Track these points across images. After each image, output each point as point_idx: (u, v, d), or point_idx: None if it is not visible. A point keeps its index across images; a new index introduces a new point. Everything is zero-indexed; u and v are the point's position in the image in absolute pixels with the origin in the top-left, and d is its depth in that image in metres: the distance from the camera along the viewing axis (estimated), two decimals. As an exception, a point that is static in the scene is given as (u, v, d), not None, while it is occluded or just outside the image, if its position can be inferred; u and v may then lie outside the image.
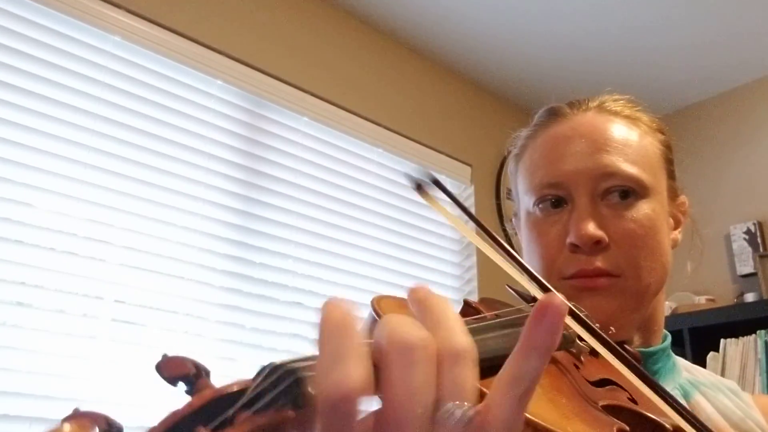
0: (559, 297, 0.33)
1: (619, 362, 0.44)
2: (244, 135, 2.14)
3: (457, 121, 2.86)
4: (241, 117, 2.14)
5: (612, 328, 0.66)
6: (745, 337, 2.40)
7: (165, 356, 0.30)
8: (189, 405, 0.29)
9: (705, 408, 0.74)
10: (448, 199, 0.51)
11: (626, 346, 0.61)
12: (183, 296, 1.84)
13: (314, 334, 0.32)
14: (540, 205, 0.76)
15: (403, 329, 0.32)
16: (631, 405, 0.49)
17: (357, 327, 0.32)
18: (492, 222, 2.83)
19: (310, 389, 0.29)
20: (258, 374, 0.31)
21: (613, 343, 0.46)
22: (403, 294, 0.41)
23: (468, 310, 0.60)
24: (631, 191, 0.73)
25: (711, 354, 2.43)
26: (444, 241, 2.65)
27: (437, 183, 0.48)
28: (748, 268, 2.74)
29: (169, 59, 1.98)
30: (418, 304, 0.35)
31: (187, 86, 2.02)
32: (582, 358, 0.54)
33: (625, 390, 0.52)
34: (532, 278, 0.47)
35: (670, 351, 0.80)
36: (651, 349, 0.76)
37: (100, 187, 1.76)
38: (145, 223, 1.82)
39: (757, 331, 2.38)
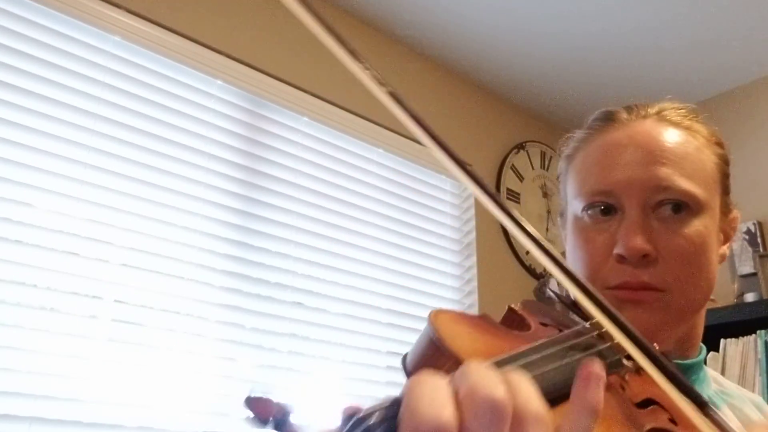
0: (597, 363, 0.39)
1: (671, 385, 0.46)
2: (244, 135, 2.14)
3: (457, 121, 2.86)
4: (241, 117, 2.14)
5: (654, 343, 0.66)
6: (745, 337, 2.40)
7: (250, 397, 0.32)
8: None
9: (731, 420, 0.74)
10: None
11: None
12: (183, 296, 1.84)
13: (404, 392, 0.33)
14: (589, 212, 0.75)
15: (488, 386, 0.33)
16: (672, 427, 0.50)
17: (447, 384, 0.33)
18: (492, 222, 2.83)
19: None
20: (346, 420, 0.32)
21: (671, 367, 0.47)
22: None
23: (513, 317, 0.60)
24: (684, 206, 0.72)
25: (711, 354, 2.43)
26: (444, 241, 2.65)
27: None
28: (748, 268, 2.74)
29: (169, 59, 1.98)
30: (477, 375, 0.36)
31: (187, 86, 2.02)
32: (627, 378, 0.54)
33: (666, 410, 0.52)
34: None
35: (703, 363, 0.79)
36: (688, 362, 0.75)
37: (100, 187, 1.76)
38: (145, 223, 1.82)
39: (757, 331, 2.37)
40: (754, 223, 2.79)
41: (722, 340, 2.43)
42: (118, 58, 1.88)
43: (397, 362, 0.55)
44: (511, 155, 3.00)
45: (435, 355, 0.45)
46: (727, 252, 0.80)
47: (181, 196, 1.91)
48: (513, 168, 2.98)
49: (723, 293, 2.76)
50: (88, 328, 1.65)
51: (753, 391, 2.29)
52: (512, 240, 2.87)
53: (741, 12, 2.55)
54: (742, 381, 2.33)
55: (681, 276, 0.70)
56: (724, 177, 0.79)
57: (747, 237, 2.80)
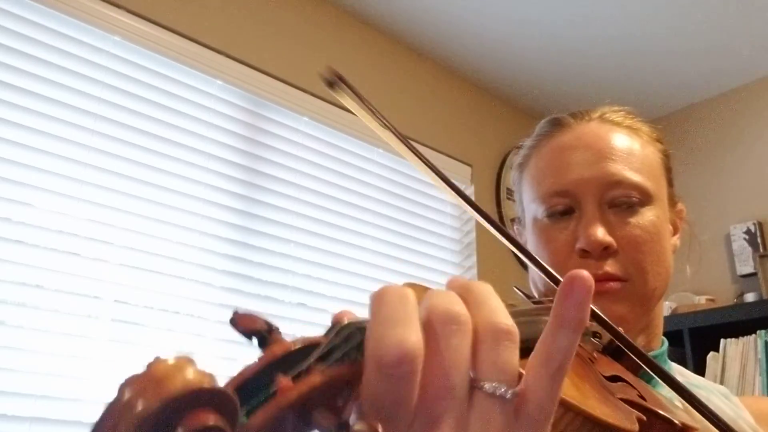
0: (585, 272, 0.34)
1: (640, 360, 0.46)
2: (244, 135, 2.14)
3: (457, 121, 2.86)
4: (241, 117, 2.14)
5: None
6: (745, 337, 2.40)
7: (236, 312, 0.32)
8: (271, 353, 0.30)
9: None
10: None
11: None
12: (183, 296, 1.84)
13: (371, 303, 0.33)
14: (548, 213, 0.78)
15: (446, 301, 0.33)
16: (642, 401, 0.51)
17: (413, 299, 0.33)
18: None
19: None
20: (328, 332, 0.32)
21: (632, 341, 0.47)
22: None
23: None
24: (636, 199, 0.76)
25: (711, 354, 2.43)
26: (444, 240, 2.65)
27: (343, 80, 0.49)
28: (748, 268, 2.74)
29: (169, 59, 1.98)
30: (459, 288, 0.36)
31: (187, 86, 2.02)
32: (595, 354, 0.56)
33: (635, 388, 0.54)
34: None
35: (666, 356, 0.82)
36: (652, 353, 0.78)
37: (100, 187, 1.76)
38: (145, 223, 1.82)
39: (757, 331, 2.38)
40: (754, 223, 2.80)
41: (722, 340, 2.43)
42: (118, 58, 1.88)
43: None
44: (511, 155, 3.00)
45: None
46: (678, 243, 0.84)
47: (181, 196, 1.91)
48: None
49: (723, 293, 2.76)
50: (88, 328, 1.65)
51: (753, 391, 2.29)
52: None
53: (740, 13, 2.55)
54: (742, 381, 2.33)
55: (641, 265, 0.74)
56: (668, 171, 0.83)
57: (747, 237, 2.80)
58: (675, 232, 0.84)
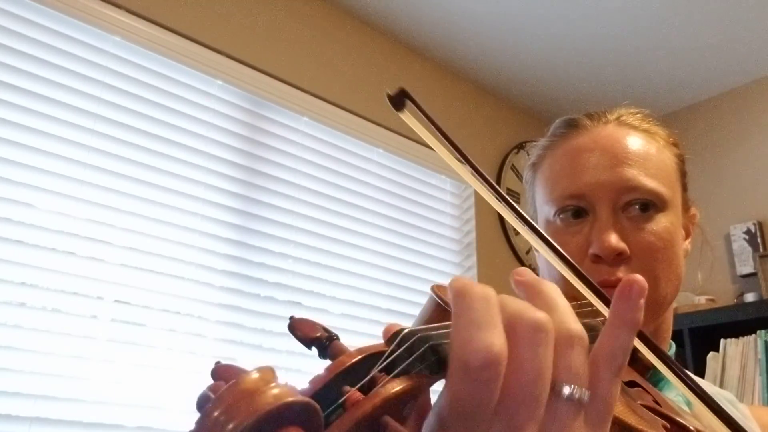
0: (639, 276, 0.36)
1: (661, 362, 0.46)
2: (244, 135, 2.14)
3: (457, 121, 2.86)
4: (241, 117, 2.14)
5: None
6: (745, 337, 2.40)
7: (294, 318, 0.32)
8: (339, 364, 0.30)
9: (706, 414, 0.74)
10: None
11: (638, 353, 0.62)
12: (183, 296, 1.84)
13: (454, 303, 0.32)
14: (561, 216, 0.78)
15: (532, 309, 0.33)
16: (657, 407, 0.51)
17: (497, 302, 0.33)
18: (492, 221, 2.83)
19: (446, 355, 0.31)
20: (389, 341, 0.32)
21: (657, 346, 0.48)
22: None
23: None
24: (651, 204, 0.75)
25: (711, 354, 2.43)
26: (444, 241, 2.65)
27: (410, 97, 0.48)
28: (748, 268, 2.74)
29: (169, 59, 1.98)
30: (528, 287, 0.36)
31: (187, 86, 2.02)
32: None
33: (650, 393, 0.54)
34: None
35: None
36: None
37: (100, 187, 1.76)
38: (145, 223, 1.82)
39: (757, 331, 2.37)
40: (754, 223, 2.80)
41: (722, 340, 2.43)
42: (118, 58, 1.88)
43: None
44: (511, 155, 3.00)
45: (441, 318, 0.46)
46: (689, 247, 0.83)
47: (181, 196, 1.91)
48: (513, 168, 2.99)
49: (723, 293, 2.76)
50: (88, 328, 1.65)
51: (753, 392, 2.29)
52: (512, 240, 2.87)
53: (740, 13, 2.55)
54: (742, 381, 2.33)
55: (654, 272, 0.73)
56: (683, 175, 0.83)
57: (747, 237, 2.80)
58: (687, 236, 0.83)
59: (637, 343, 0.48)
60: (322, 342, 0.32)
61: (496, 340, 0.30)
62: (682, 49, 2.76)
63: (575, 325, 0.34)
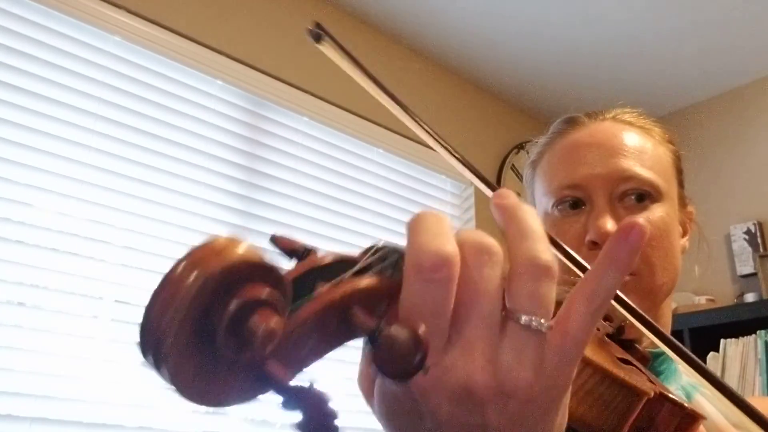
0: (642, 221, 0.35)
1: (653, 334, 0.46)
2: (244, 135, 2.14)
3: (457, 121, 2.86)
4: (241, 117, 2.14)
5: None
6: (745, 337, 2.40)
7: (275, 235, 0.33)
8: (312, 260, 0.31)
9: (705, 407, 0.75)
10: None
11: (636, 345, 0.62)
12: (183, 296, 1.83)
13: (410, 221, 0.33)
14: (559, 207, 0.80)
15: (477, 234, 0.34)
16: (652, 384, 0.51)
17: (449, 220, 0.34)
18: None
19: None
20: (364, 252, 0.33)
21: (651, 321, 0.48)
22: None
23: None
24: (646, 194, 0.77)
25: (711, 354, 2.43)
26: (444, 241, 2.64)
27: (328, 34, 0.50)
28: (748, 268, 2.74)
29: (169, 59, 1.98)
30: (503, 211, 0.36)
31: (187, 86, 2.02)
32: (605, 339, 0.57)
33: (644, 373, 0.54)
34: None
35: None
36: (658, 350, 0.77)
37: (100, 187, 1.76)
38: (146, 223, 1.82)
39: (757, 331, 2.37)
40: (754, 223, 2.80)
41: (722, 340, 2.43)
42: (118, 58, 1.88)
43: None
44: (511, 155, 3.00)
45: None
46: (687, 245, 0.84)
47: (181, 196, 1.91)
48: (513, 168, 2.98)
49: (723, 293, 2.76)
50: (88, 328, 1.65)
51: (753, 392, 2.29)
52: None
53: (741, 14, 2.55)
54: (742, 381, 2.33)
55: (649, 259, 0.74)
56: (679, 172, 0.84)
57: (747, 237, 2.80)
58: (684, 233, 0.84)
59: (638, 324, 0.48)
60: (301, 253, 0.32)
61: (447, 244, 0.31)
62: (682, 49, 2.76)
63: (544, 255, 0.33)
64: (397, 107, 0.52)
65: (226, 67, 2.10)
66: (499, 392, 0.32)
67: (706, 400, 0.76)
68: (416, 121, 0.50)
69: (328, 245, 2.20)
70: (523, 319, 0.32)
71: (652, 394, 0.44)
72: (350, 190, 2.36)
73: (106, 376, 1.64)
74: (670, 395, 0.50)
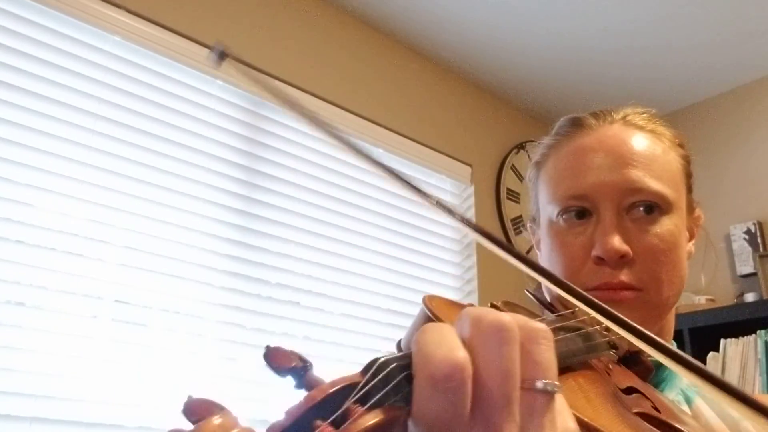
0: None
1: (664, 355, 0.45)
2: (244, 135, 2.14)
3: (457, 121, 2.86)
4: (241, 117, 2.14)
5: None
6: (745, 337, 2.40)
7: (270, 348, 0.32)
8: (310, 399, 0.30)
9: (705, 412, 0.74)
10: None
11: (640, 356, 0.62)
12: (183, 296, 1.84)
13: (414, 341, 0.33)
14: (564, 216, 0.77)
15: (491, 314, 0.34)
16: (657, 414, 0.51)
17: (450, 327, 0.34)
18: (492, 221, 2.83)
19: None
20: (365, 370, 0.32)
21: (664, 343, 0.47)
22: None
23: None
24: (655, 206, 0.74)
25: (711, 354, 2.43)
26: (444, 241, 2.65)
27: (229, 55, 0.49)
28: (748, 268, 2.74)
29: (169, 59, 1.98)
30: (479, 310, 0.36)
31: (187, 86, 2.02)
32: (610, 366, 0.56)
33: (649, 399, 0.54)
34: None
35: None
36: None
37: (100, 187, 1.76)
38: (145, 223, 1.82)
39: (757, 331, 2.37)
40: (754, 223, 2.79)
41: (722, 340, 2.43)
42: (118, 58, 1.88)
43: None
44: (511, 155, 3.00)
45: None
46: (693, 249, 0.83)
47: (181, 196, 1.91)
48: (513, 168, 2.98)
49: (723, 293, 2.76)
50: (88, 328, 1.65)
51: (753, 392, 2.29)
52: (512, 240, 2.87)
53: (741, 12, 2.55)
54: (742, 381, 2.33)
55: (657, 274, 0.73)
56: (688, 177, 0.82)
57: (747, 237, 2.80)
58: (690, 238, 0.82)
59: (643, 345, 0.48)
60: (298, 372, 0.31)
61: (456, 349, 0.31)
62: (682, 49, 2.76)
63: (536, 323, 0.34)
64: (321, 126, 0.50)
65: (226, 67, 2.10)
66: None
67: (706, 405, 0.76)
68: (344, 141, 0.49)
69: (328, 245, 2.20)
70: (539, 385, 0.33)
71: None
72: (350, 190, 2.36)
73: (106, 376, 1.64)
74: (676, 425, 0.50)
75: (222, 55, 0.52)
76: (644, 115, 0.82)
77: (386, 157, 2.52)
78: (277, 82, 2.22)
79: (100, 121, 1.80)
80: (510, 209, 2.93)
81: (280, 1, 2.34)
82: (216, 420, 0.26)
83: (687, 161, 0.82)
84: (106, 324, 1.68)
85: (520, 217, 2.94)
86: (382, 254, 2.38)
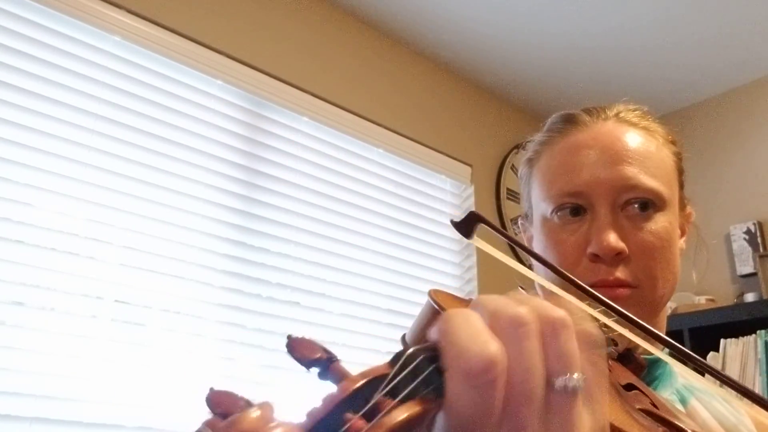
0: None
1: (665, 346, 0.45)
2: (244, 135, 2.14)
3: (457, 121, 2.86)
4: (241, 117, 2.14)
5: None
6: (745, 337, 2.40)
7: (292, 338, 0.31)
8: (340, 392, 0.29)
9: (701, 413, 0.74)
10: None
11: (633, 354, 0.62)
12: (183, 296, 1.84)
13: (439, 330, 0.32)
14: (558, 213, 0.77)
15: (508, 305, 0.32)
16: (655, 410, 0.51)
17: (478, 315, 0.32)
18: (492, 221, 2.83)
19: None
20: (392, 361, 0.31)
21: (666, 338, 0.47)
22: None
23: None
24: (650, 203, 0.74)
25: (711, 354, 2.43)
26: (444, 241, 2.65)
27: (480, 219, 0.48)
28: (748, 268, 2.74)
29: (169, 59, 1.98)
30: (493, 301, 0.35)
31: (187, 86, 2.02)
32: (610, 363, 0.55)
33: (647, 396, 0.54)
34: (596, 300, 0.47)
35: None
36: (653, 356, 0.76)
37: (100, 187, 1.76)
38: (145, 223, 1.82)
39: (757, 331, 2.38)
40: (754, 223, 2.80)
41: (722, 340, 2.43)
42: (118, 58, 1.88)
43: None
44: (511, 155, 3.00)
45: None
46: (684, 246, 0.83)
47: (181, 196, 1.91)
48: (513, 168, 2.98)
49: (723, 293, 2.76)
50: (88, 328, 1.65)
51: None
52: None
53: (741, 12, 2.55)
54: (742, 381, 2.33)
55: (652, 271, 0.73)
56: (680, 173, 0.82)
57: (747, 237, 2.80)
58: (682, 234, 0.82)
59: (639, 340, 0.48)
60: (323, 363, 0.31)
61: (489, 341, 0.30)
62: (682, 49, 2.76)
63: (554, 311, 0.33)
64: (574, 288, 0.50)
65: (226, 67, 2.10)
66: None
67: (702, 406, 0.76)
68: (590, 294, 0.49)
69: (328, 245, 2.20)
70: (559, 381, 0.32)
71: None
72: (350, 190, 2.36)
73: (106, 376, 1.63)
74: (675, 422, 0.50)
75: (472, 222, 0.51)
76: (637, 112, 0.82)
77: (386, 157, 2.52)
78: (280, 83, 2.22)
79: (100, 121, 1.80)
80: (510, 209, 2.93)
81: (280, 1, 2.34)
82: (254, 413, 0.26)
83: (679, 158, 0.82)
84: (106, 324, 1.68)
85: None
86: (382, 254, 2.38)
